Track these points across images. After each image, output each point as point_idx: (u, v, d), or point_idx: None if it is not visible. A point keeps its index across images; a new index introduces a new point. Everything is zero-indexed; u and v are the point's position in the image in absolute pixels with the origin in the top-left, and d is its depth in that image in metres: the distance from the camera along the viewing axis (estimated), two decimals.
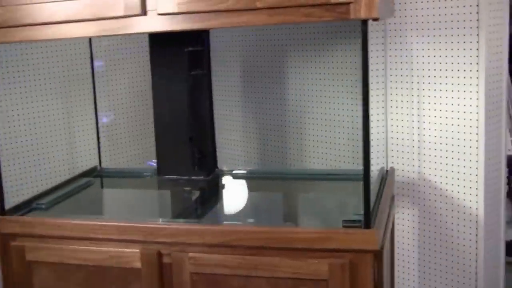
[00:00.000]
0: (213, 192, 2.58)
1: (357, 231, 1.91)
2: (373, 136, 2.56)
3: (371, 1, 1.80)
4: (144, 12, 1.97)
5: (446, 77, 2.40)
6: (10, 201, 2.40)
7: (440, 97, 2.43)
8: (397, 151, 2.55)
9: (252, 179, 2.69)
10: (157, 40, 2.54)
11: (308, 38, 2.68)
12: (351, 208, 2.13)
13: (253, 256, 1.99)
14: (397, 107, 2.53)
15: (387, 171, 2.54)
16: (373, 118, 2.54)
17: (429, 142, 2.47)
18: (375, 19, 1.82)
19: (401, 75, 2.50)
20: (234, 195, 2.58)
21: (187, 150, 2.57)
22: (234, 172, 2.71)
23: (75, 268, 2.17)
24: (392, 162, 2.56)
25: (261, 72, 2.88)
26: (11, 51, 2.69)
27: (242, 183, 2.65)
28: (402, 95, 2.52)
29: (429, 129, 2.47)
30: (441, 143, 2.45)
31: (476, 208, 2.41)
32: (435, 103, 2.44)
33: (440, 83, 2.42)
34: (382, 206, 2.16)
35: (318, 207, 2.35)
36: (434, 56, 2.42)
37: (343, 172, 2.59)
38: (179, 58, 2.51)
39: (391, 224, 2.40)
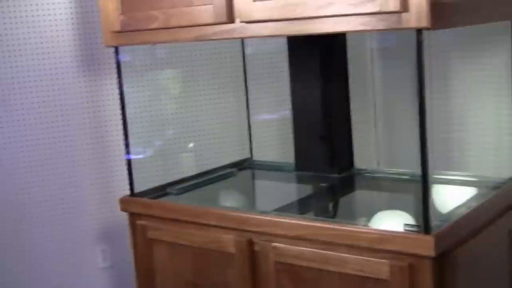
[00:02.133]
0: (334, 190, 2.84)
1: (414, 235, 2.09)
2: (503, 144, 2.71)
3: (421, 10, 1.98)
4: (231, 20, 2.42)
5: None
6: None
7: None
8: None
9: (385, 180, 2.90)
10: (295, 43, 2.87)
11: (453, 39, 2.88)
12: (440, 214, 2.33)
13: (325, 250, 2.26)
14: None
15: None
16: (504, 125, 2.69)
17: None
18: (428, 29, 2.04)
19: None
20: (353, 194, 2.86)
21: (320, 148, 2.89)
22: (369, 171, 2.96)
23: (185, 248, 2.60)
24: None
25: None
26: (177, 49, 3.31)
27: (369, 183, 2.89)
28: None
29: None
30: None
31: None
32: None
33: None
34: (473, 215, 2.31)
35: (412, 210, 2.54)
36: None
37: (474, 178, 2.69)
38: (314, 59, 2.82)
39: (500, 235, 2.49)
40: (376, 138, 3.39)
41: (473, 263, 2.31)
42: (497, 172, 2.71)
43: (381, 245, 2.17)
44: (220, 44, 3.27)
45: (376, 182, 2.90)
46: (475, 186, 2.63)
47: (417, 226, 2.14)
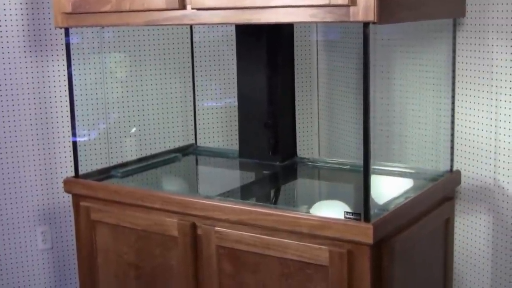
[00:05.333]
0: (276, 177, 2.94)
1: (354, 223, 2.17)
2: (441, 137, 2.79)
3: (369, 5, 2.03)
4: (183, 6, 2.47)
5: None
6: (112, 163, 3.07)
7: None
8: (474, 154, 2.71)
9: (326, 169, 2.99)
10: (243, 31, 2.93)
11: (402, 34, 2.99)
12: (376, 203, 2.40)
13: (266, 236, 2.33)
14: (473, 109, 2.68)
15: (451, 172, 2.73)
16: (442, 119, 2.77)
17: (504, 148, 2.60)
18: (374, 23, 2.09)
19: (479, 77, 2.65)
20: (294, 182, 2.96)
21: (264, 136, 2.95)
22: (311, 160, 3.05)
23: (128, 230, 2.65)
24: (471, 166, 2.71)
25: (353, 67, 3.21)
26: (123, 33, 3.32)
27: (311, 172, 2.98)
28: (479, 97, 2.66)
29: (505, 134, 2.59)
30: None
31: None
32: None
33: None
34: (411, 205, 2.40)
35: (351, 199, 2.66)
36: None
37: (413, 170, 2.81)
38: (261, 48, 2.88)
39: (436, 224, 2.61)
40: (319, 128, 3.49)
41: (410, 250, 2.42)
42: (435, 165, 2.83)
43: (321, 231, 2.25)
44: (169, 30, 3.32)
45: (317, 171, 3.00)
46: (413, 178, 2.74)
47: (358, 214, 2.22)
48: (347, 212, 2.24)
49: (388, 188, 2.67)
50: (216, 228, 2.45)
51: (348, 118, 3.28)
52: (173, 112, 3.38)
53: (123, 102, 3.31)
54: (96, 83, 3.24)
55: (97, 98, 3.24)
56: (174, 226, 2.55)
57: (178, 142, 3.36)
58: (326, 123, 3.45)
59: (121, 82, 3.31)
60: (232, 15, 2.31)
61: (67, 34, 2.75)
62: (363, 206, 2.21)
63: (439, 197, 2.62)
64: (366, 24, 2.11)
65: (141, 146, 3.34)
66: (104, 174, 2.92)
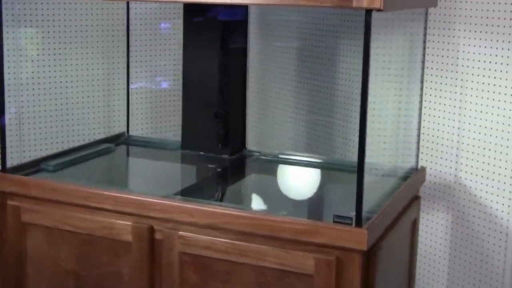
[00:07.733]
0: (227, 173, 2.79)
1: (346, 228, 2.07)
2: (406, 133, 2.75)
3: None
4: None
5: (495, 77, 2.51)
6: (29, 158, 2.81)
7: (488, 98, 2.53)
8: (436, 150, 2.70)
9: (277, 163, 2.87)
10: (191, 10, 2.76)
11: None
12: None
13: (241, 241, 2.19)
14: (436, 103, 2.67)
15: (417, 170, 2.68)
16: (406, 112, 2.73)
17: (468, 145, 2.60)
18: (379, 10, 1.99)
19: (444, 70, 2.63)
20: (246, 177, 2.84)
21: (211, 126, 2.80)
22: (262, 154, 2.92)
23: (68, 234, 2.42)
24: (431, 162, 2.72)
25: (310, 55, 3.09)
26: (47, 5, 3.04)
27: (261, 167, 2.86)
28: (444, 90, 2.65)
29: (469, 130, 2.59)
30: (483, 148, 2.56)
31: (508, 220, 2.54)
32: (480, 104, 2.55)
33: (488, 83, 2.53)
34: (393, 206, 2.34)
35: (321, 199, 2.59)
36: (484, 54, 2.52)
37: (373, 166, 2.80)
38: (211, 30, 2.73)
39: (407, 226, 2.56)
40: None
41: (389, 255, 2.35)
42: (395, 161, 2.79)
43: (307, 237, 2.13)
44: (99, 5, 3.07)
45: (273, 165, 2.87)
46: (380, 175, 2.68)
47: (349, 218, 2.12)
48: (337, 216, 2.14)
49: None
50: (180, 232, 2.28)
51: (283, 107, 3.17)
52: (99, 96, 3.13)
53: (39, 83, 3.02)
54: (9, 61, 2.93)
55: (8, 79, 2.94)
56: (128, 229, 2.35)
57: (103, 129, 3.11)
58: (256, 111, 3.32)
59: (37, 61, 3.02)
60: None
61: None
62: (355, 210, 2.11)
63: (410, 196, 2.57)
64: (368, 11, 2.00)
65: (57, 134, 3.07)
66: (31, 168, 2.66)
